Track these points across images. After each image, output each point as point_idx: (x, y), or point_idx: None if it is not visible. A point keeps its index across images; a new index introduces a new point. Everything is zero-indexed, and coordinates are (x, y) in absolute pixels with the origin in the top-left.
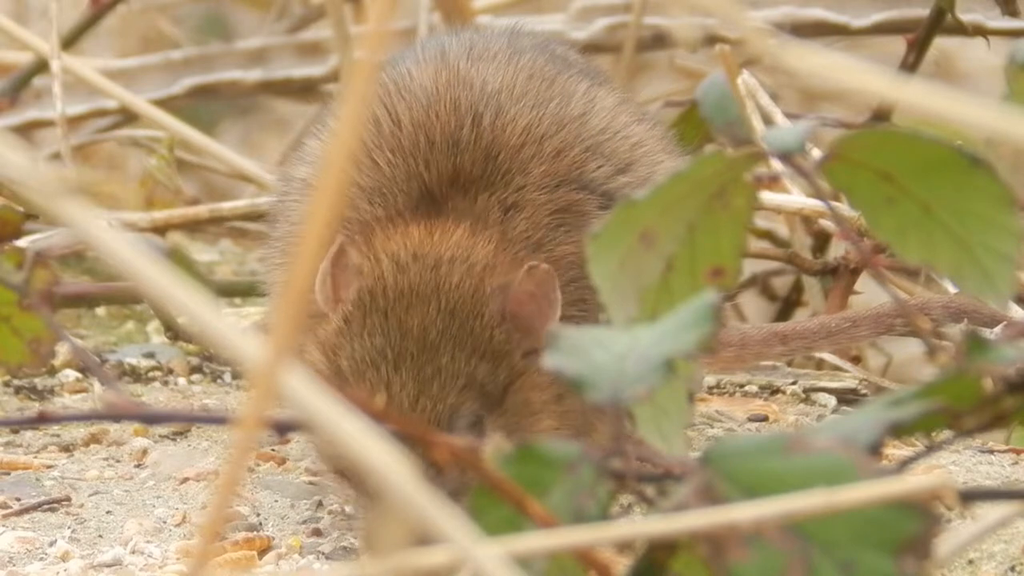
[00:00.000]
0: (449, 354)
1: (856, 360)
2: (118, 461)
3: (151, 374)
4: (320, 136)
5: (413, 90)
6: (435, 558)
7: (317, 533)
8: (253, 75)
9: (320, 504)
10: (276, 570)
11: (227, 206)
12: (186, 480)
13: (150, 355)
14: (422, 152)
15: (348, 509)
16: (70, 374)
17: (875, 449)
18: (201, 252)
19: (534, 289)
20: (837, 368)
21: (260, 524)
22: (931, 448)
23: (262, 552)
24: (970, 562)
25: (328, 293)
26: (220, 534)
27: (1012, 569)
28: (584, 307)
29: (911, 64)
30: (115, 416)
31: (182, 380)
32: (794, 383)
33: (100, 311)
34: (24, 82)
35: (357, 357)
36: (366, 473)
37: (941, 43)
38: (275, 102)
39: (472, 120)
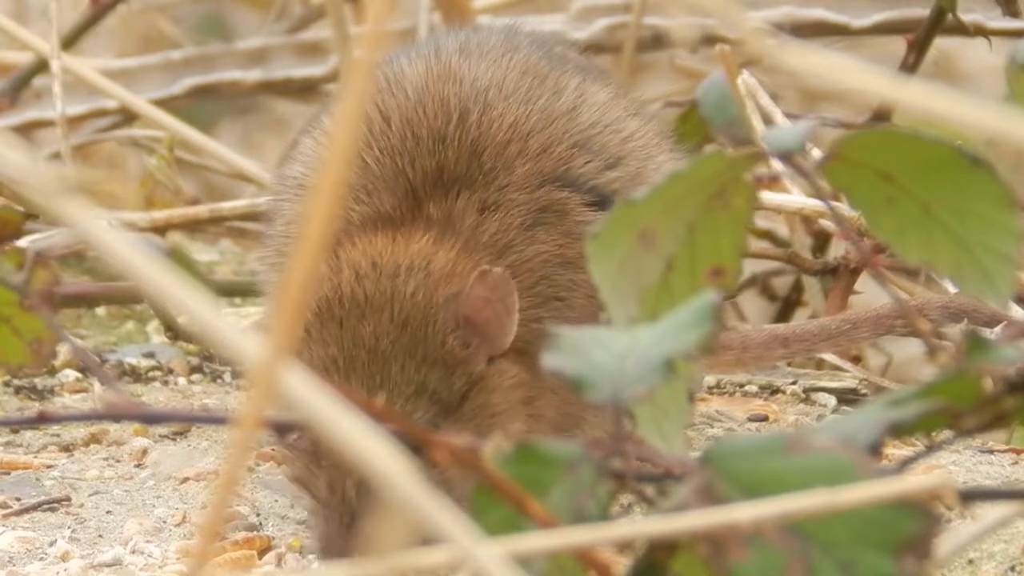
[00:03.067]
0: (399, 363)
1: (856, 360)
2: (118, 461)
3: (151, 374)
4: (315, 135)
5: (404, 86)
6: (435, 558)
7: None
8: (253, 75)
9: None
10: (276, 570)
11: (227, 206)
12: (186, 480)
13: (150, 355)
14: (409, 149)
15: (304, 517)
16: (70, 374)
17: (875, 449)
18: (201, 252)
19: (488, 294)
20: (837, 368)
21: (260, 524)
22: (931, 448)
23: (262, 552)
24: (970, 562)
25: None
26: (220, 534)
27: (1012, 569)
28: (558, 305)
29: (911, 64)
30: (115, 416)
31: (182, 380)
32: (794, 383)
33: (100, 311)
34: (24, 82)
35: (313, 366)
36: (320, 478)
37: (941, 43)
38: (275, 102)
39: (459, 116)
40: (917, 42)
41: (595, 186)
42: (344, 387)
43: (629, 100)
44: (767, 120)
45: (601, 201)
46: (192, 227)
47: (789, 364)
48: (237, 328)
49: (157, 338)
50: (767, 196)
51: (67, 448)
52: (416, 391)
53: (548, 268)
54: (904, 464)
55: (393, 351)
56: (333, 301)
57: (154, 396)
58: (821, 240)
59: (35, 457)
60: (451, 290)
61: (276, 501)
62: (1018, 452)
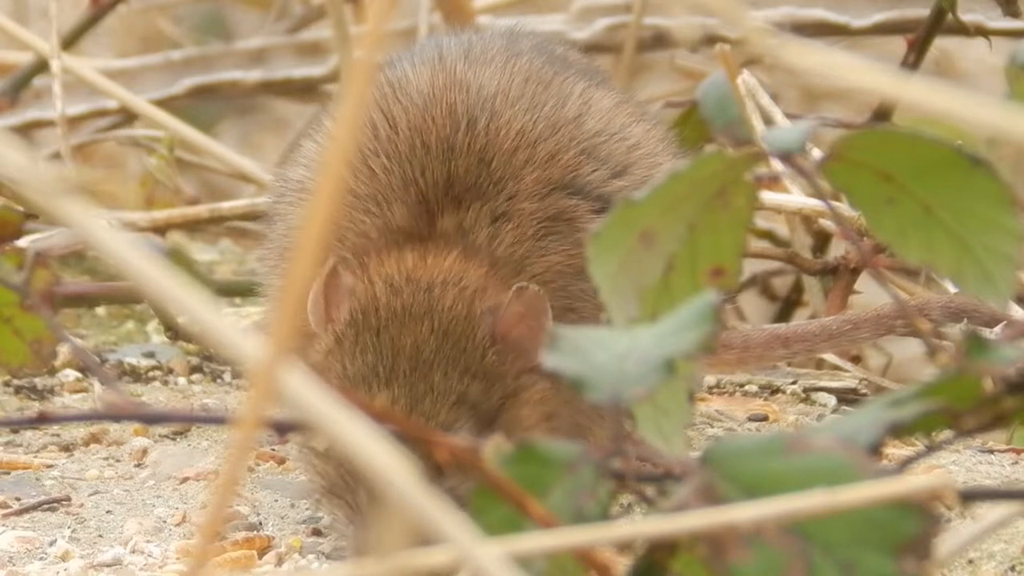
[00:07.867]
0: (442, 372)
1: (856, 360)
2: (118, 461)
3: (151, 374)
4: (316, 138)
5: (410, 93)
6: (435, 558)
7: (317, 533)
8: (253, 75)
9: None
10: (276, 570)
11: (227, 206)
12: (186, 480)
13: (150, 355)
14: (418, 157)
15: (339, 525)
16: (70, 374)
17: (875, 449)
18: (201, 252)
19: (523, 310)
20: (837, 368)
21: (260, 524)
22: (931, 448)
23: (262, 552)
24: (970, 562)
25: (320, 313)
26: (220, 534)
27: (1012, 569)
28: (572, 315)
29: (912, 64)
30: (115, 416)
31: (182, 380)
32: (794, 383)
33: (100, 311)
34: (24, 82)
35: (348, 375)
36: (357, 488)
37: (941, 43)
38: (275, 102)
39: (467, 124)
40: (917, 42)
41: (602, 194)
42: (351, 391)
43: (633, 105)
44: (767, 120)
45: (608, 209)
46: (192, 227)
47: (789, 364)
48: (237, 328)
49: (157, 338)
50: (767, 196)
51: (67, 448)
52: (458, 400)
53: (562, 279)
54: (904, 464)
55: (435, 360)
56: (369, 311)
57: (154, 396)
58: (821, 240)
59: (35, 457)
60: (487, 304)
61: (276, 501)
62: (1018, 452)
